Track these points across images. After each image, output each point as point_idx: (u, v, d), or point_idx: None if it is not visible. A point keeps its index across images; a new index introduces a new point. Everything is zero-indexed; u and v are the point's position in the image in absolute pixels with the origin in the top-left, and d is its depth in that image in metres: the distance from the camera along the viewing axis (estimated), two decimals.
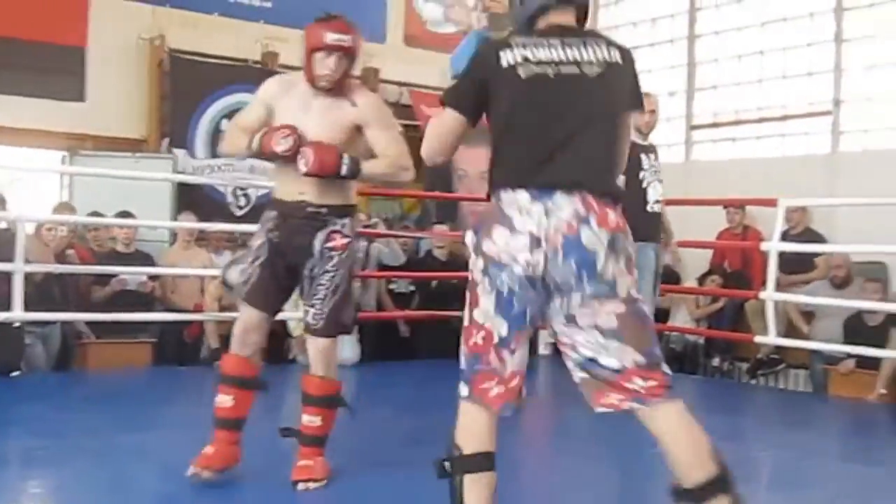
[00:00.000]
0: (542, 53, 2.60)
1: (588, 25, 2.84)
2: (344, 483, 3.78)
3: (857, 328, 6.94)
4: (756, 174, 8.55)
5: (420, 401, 5.83)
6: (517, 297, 2.53)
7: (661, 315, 8.23)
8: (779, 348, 7.20)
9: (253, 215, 8.84)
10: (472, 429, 2.61)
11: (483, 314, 2.57)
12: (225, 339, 7.13)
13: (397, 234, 8.67)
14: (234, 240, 8.10)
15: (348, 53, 3.71)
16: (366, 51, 10.34)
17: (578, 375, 2.63)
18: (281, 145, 3.57)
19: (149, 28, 8.89)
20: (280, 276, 3.78)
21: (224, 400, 3.76)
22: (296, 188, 3.67)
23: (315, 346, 3.77)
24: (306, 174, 3.56)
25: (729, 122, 9.78)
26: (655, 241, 5.90)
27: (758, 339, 6.69)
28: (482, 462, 2.58)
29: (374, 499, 3.74)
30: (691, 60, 10.30)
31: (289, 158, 3.58)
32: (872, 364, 6.66)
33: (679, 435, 2.56)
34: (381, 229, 8.54)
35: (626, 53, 2.72)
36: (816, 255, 7.80)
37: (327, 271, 3.68)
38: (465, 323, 2.62)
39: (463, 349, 2.64)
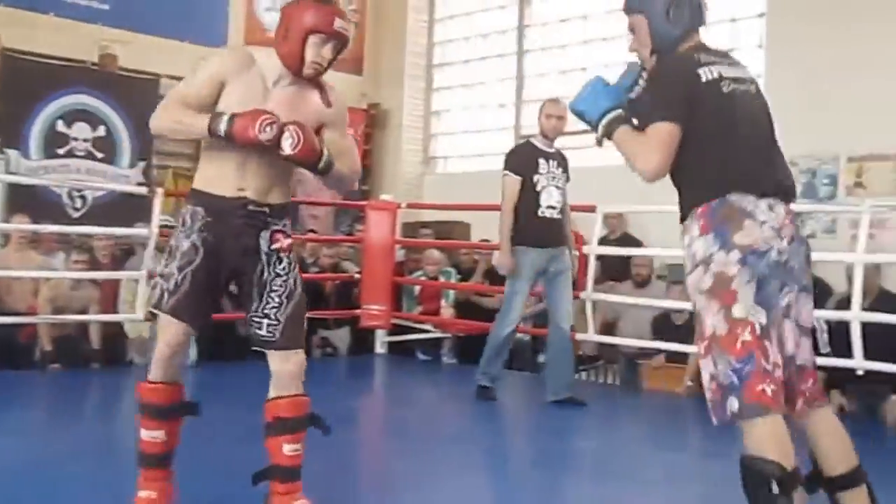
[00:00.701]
0: (725, 71, 2.73)
1: (421, 41, 3.00)
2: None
3: (665, 325, 7.19)
4: (579, 182, 8.81)
5: (251, 400, 5.75)
6: (771, 283, 2.58)
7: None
8: (600, 345, 7.44)
9: (90, 217, 8.75)
10: (777, 440, 2.47)
11: (744, 308, 2.53)
12: (58, 342, 6.99)
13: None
14: (69, 241, 7.83)
15: (344, 45, 3.12)
16: (206, 56, 10.34)
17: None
18: (265, 133, 2.92)
19: None
20: (214, 285, 3.15)
21: (154, 436, 3.16)
22: (235, 183, 3.07)
23: (291, 363, 3.12)
24: (288, 157, 2.97)
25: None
26: (551, 246, 6.04)
27: (578, 336, 6.93)
28: (799, 477, 2.50)
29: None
30: (520, 74, 10.57)
31: (266, 147, 2.97)
32: (681, 359, 6.91)
33: (835, 432, 2.69)
34: None
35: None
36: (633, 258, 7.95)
37: (279, 275, 3.12)
38: (722, 332, 2.54)
39: (727, 360, 2.52)
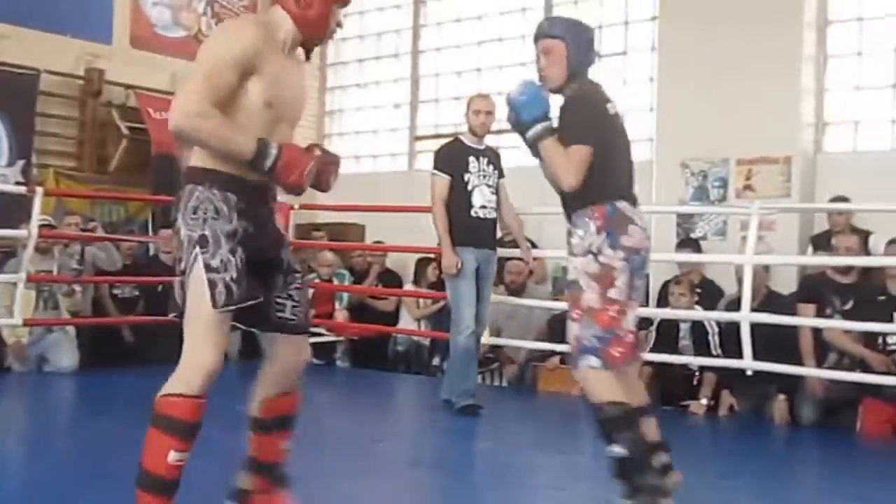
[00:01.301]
0: (613, 105, 3.54)
1: None
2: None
3: (560, 328, 7.25)
4: None
5: (140, 409, 5.66)
6: (638, 276, 3.48)
7: (392, 317, 8.41)
8: (495, 347, 7.45)
9: None
10: (618, 388, 3.31)
11: (618, 292, 3.33)
12: None
13: (121, 238, 8.45)
14: None
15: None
16: (91, 51, 10.08)
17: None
18: (308, 179, 2.84)
19: None
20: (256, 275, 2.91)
21: (181, 458, 2.74)
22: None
23: (304, 354, 3.10)
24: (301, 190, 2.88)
25: (450, 135, 10.08)
26: (483, 247, 5.94)
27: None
28: (642, 410, 3.45)
29: None
30: (414, 74, 10.59)
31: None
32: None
33: (637, 380, 3.72)
34: (101, 233, 8.32)
35: None
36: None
37: (292, 259, 3.05)
38: (596, 305, 3.31)
39: (595, 328, 3.30)
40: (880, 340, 5.76)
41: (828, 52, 7.89)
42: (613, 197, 3.40)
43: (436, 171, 5.99)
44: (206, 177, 2.82)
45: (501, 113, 9.57)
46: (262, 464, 3.07)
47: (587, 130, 3.38)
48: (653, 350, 6.51)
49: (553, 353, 7.18)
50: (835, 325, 5.92)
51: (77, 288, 7.55)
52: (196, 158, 2.86)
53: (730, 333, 6.13)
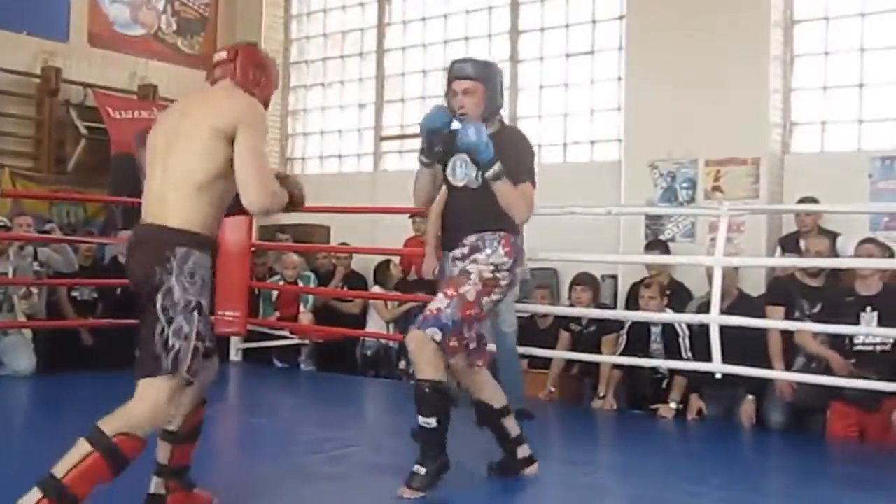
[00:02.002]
0: None
1: (277, 38, 3.56)
2: None
3: (529, 330, 7.24)
4: None
5: (101, 413, 5.61)
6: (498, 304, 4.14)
7: (357, 320, 8.40)
8: None
9: None
10: (441, 365, 3.82)
11: (489, 303, 3.90)
12: None
13: (79, 240, 8.44)
14: None
15: None
16: (47, 49, 9.99)
17: (474, 346, 4.09)
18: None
19: None
20: None
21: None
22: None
23: (215, 367, 3.50)
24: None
25: (415, 135, 10.06)
26: None
27: None
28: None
29: None
30: (380, 74, 10.58)
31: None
32: (544, 364, 7.02)
33: (491, 381, 4.25)
34: (58, 234, 8.31)
35: None
36: None
37: None
38: (471, 298, 3.81)
39: (456, 312, 3.79)
40: (847, 342, 5.77)
41: (794, 51, 7.94)
42: (517, 232, 4.00)
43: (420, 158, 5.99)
44: (199, 242, 3.12)
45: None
46: (177, 468, 3.47)
47: (532, 170, 3.97)
48: (623, 353, 6.57)
49: (522, 356, 7.06)
50: (803, 327, 5.94)
51: (34, 290, 7.49)
52: (184, 220, 3.10)
53: (700, 336, 6.16)
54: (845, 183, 7.25)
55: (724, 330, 5.79)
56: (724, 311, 5.91)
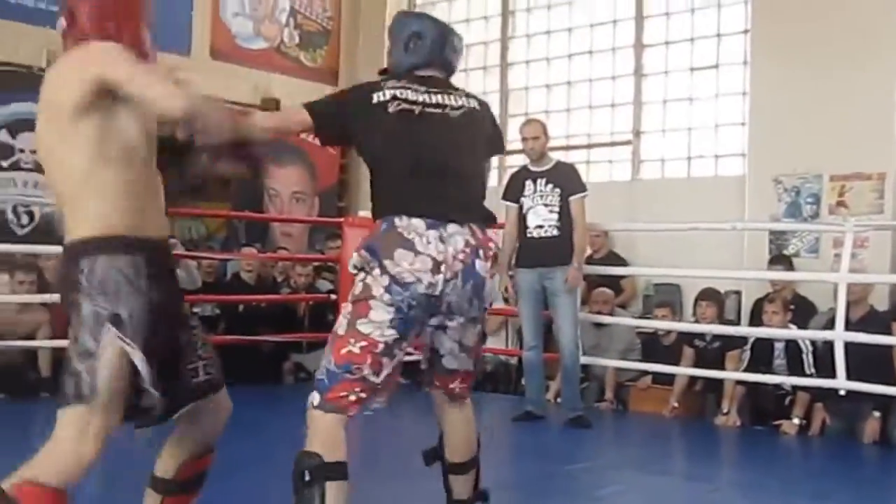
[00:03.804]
0: (416, 97, 3.21)
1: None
2: None
3: (652, 346, 7.61)
4: None
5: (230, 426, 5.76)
6: (414, 312, 3.03)
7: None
8: (584, 366, 7.41)
9: (37, 234, 8.54)
10: (329, 437, 2.98)
11: (371, 325, 3.00)
12: (2, 370, 6.85)
13: (201, 256, 8.69)
14: (13, 261, 7.69)
15: None
16: (170, 63, 10.38)
17: (425, 366, 3.34)
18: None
19: None
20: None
21: None
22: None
23: (225, 404, 3.09)
24: None
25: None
26: (542, 266, 6.49)
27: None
28: (341, 470, 2.96)
29: None
30: (503, 88, 10.77)
31: None
32: (667, 380, 7.31)
33: (464, 429, 3.43)
34: (181, 251, 8.38)
35: (483, 104, 3.43)
36: (622, 277, 8.32)
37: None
38: (341, 332, 3.03)
39: (329, 359, 3.02)
40: None
41: None
42: (392, 212, 3.09)
43: (503, 201, 6.69)
44: (102, 245, 2.73)
45: (595, 127, 9.76)
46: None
47: (322, 107, 3.32)
48: (747, 369, 6.80)
49: (645, 372, 7.51)
50: None
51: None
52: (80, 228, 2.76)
53: (824, 351, 6.38)
54: None
55: (849, 345, 5.98)
56: (852, 325, 6.10)
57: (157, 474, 2.97)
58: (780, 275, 7.47)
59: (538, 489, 4.80)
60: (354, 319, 3.02)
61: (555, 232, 6.50)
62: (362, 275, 3.06)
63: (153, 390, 2.67)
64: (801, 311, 7.17)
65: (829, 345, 6.23)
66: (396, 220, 3.05)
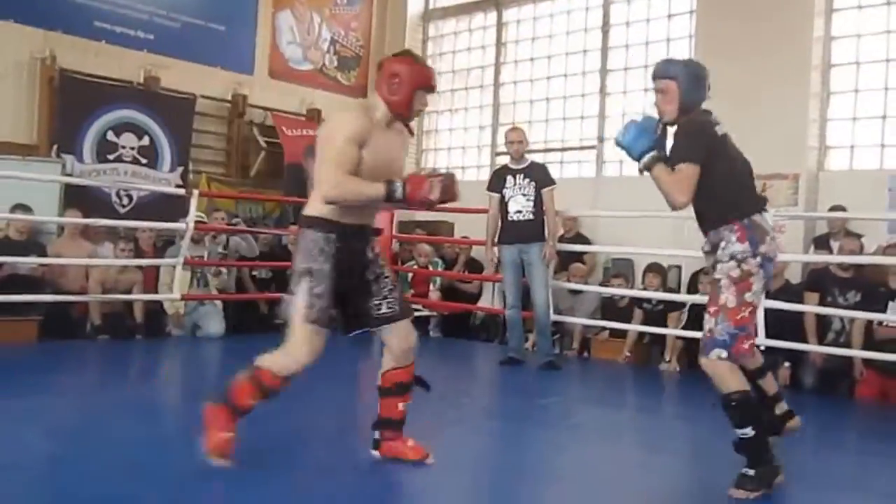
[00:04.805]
0: (723, 127, 3.31)
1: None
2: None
3: (610, 307, 7.48)
4: None
5: None
6: (767, 278, 3.26)
7: (474, 297, 8.62)
8: (558, 323, 7.40)
9: (135, 212, 8.70)
10: (736, 375, 3.17)
11: (754, 295, 3.18)
12: (107, 317, 6.96)
13: (259, 231, 8.64)
14: (116, 233, 7.81)
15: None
16: (237, 80, 10.41)
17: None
18: (435, 193, 3.11)
19: (41, 48, 8.49)
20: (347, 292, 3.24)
21: (253, 405, 3.22)
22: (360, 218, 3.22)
23: (409, 333, 3.33)
24: (433, 204, 3.16)
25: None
26: (521, 243, 6.42)
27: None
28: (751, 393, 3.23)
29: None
30: (496, 102, 10.73)
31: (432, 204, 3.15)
32: (621, 335, 7.19)
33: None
34: (243, 227, 8.57)
35: None
36: (587, 253, 8.19)
37: (380, 269, 3.31)
38: (732, 305, 3.14)
39: (727, 325, 3.14)
40: (875, 325, 5.85)
41: (830, 89, 7.86)
42: (749, 212, 3.22)
43: (487, 191, 6.65)
44: (315, 223, 3.14)
45: (568, 134, 9.69)
46: (383, 420, 3.40)
47: (693, 151, 3.19)
48: (685, 327, 6.66)
49: (604, 328, 7.38)
50: (833, 311, 6.00)
51: (223, 269, 7.75)
52: (309, 209, 3.17)
53: None
54: (869, 195, 7.18)
55: (768, 310, 5.83)
56: (771, 294, 5.93)
57: (377, 383, 3.38)
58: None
59: (519, 417, 4.74)
60: (741, 294, 3.15)
61: (530, 216, 6.43)
62: (734, 263, 3.17)
63: (400, 328, 3.24)
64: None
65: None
66: (756, 218, 3.21)
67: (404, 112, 3.21)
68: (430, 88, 3.26)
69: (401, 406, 3.37)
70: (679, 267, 8.01)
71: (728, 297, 3.16)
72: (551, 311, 6.70)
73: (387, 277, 3.30)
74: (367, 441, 3.47)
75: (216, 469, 3.12)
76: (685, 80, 3.28)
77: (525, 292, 6.65)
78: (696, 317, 6.63)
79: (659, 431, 4.72)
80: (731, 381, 3.17)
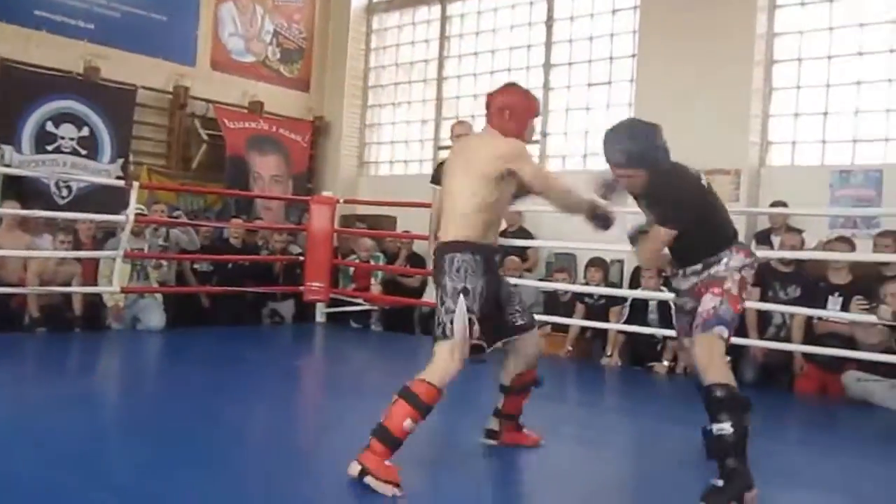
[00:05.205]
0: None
1: (358, 66, 3.27)
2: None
3: (552, 302, 7.42)
4: None
5: (215, 357, 5.83)
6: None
7: (416, 291, 8.50)
8: None
9: (74, 204, 8.59)
10: (728, 368, 3.11)
11: (746, 292, 3.27)
12: (45, 309, 6.85)
13: (200, 224, 8.56)
14: (55, 224, 7.64)
15: None
16: (178, 72, 10.19)
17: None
18: (612, 216, 3.47)
19: None
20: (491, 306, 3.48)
21: (411, 426, 3.16)
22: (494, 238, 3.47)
23: (536, 340, 3.69)
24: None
25: None
26: None
27: None
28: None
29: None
30: (439, 96, 10.66)
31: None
32: (563, 329, 7.13)
33: None
34: (184, 219, 8.50)
35: None
36: (530, 247, 8.11)
37: (510, 285, 3.67)
38: (735, 293, 3.17)
39: (730, 310, 3.13)
40: (815, 320, 5.87)
41: (773, 85, 7.91)
42: (737, 237, 3.37)
43: (431, 184, 6.36)
44: (463, 247, 3.31)
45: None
46: (507, 414, 3.74)
47: (679, 218, 3.22)
48: (627, 321, 6.64)
49: (547, 322, 7.23)
50: (774, 307, 6.02)
51: (164, 262, 7.65)
52: (456, 234, 3.34)
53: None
54: (810, 191, 7.22)
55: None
56: None
57: (502, 383, 3.69)
58: None
59: (459, 410, 4.54)
60: (741, 289, 3.22)
61: None
62: (736, 272, 3.21)
63: (529, 336, 3.59)
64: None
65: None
66: (740, 240, 3.38)
67: (525, 140, 3.47)
68: (537, 115, 3.56)
69: (524, 402, 3.76)
70: (621, 261, 8.00)
71: (732, 286, 3.20)
72: None
73: (514, 290, 3.63)
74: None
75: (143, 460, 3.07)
76: (650, 162, 3.20)
77: None
78: (637, 311, 6.69)
79: (603, 428, 4.66)
80: (722, 367, 3.06)
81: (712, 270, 3.25)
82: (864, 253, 6.19)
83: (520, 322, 3.54)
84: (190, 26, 10.05)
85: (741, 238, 3.54)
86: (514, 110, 3.39)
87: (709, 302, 3.15)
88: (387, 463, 3.01)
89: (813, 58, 7.74)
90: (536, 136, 9.42)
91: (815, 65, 7.73)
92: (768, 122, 7.90)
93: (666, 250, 3.37)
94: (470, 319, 3.22)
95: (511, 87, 3.52)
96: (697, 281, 3.30)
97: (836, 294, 5.77)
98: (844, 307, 5.68)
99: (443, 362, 3.20)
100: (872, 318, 5.39)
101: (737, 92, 7.71)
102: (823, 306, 5.75)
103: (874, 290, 5.50)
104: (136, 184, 7.29)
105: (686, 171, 3.31)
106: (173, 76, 9.83)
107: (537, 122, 3.59)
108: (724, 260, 3.24)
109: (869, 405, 5.43)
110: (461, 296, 3.24)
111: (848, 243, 6.14)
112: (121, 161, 9.16)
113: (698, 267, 3.30)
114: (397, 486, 2.93)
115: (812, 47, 7.74)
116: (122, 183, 7.65)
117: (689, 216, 3.21)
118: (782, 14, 7.87)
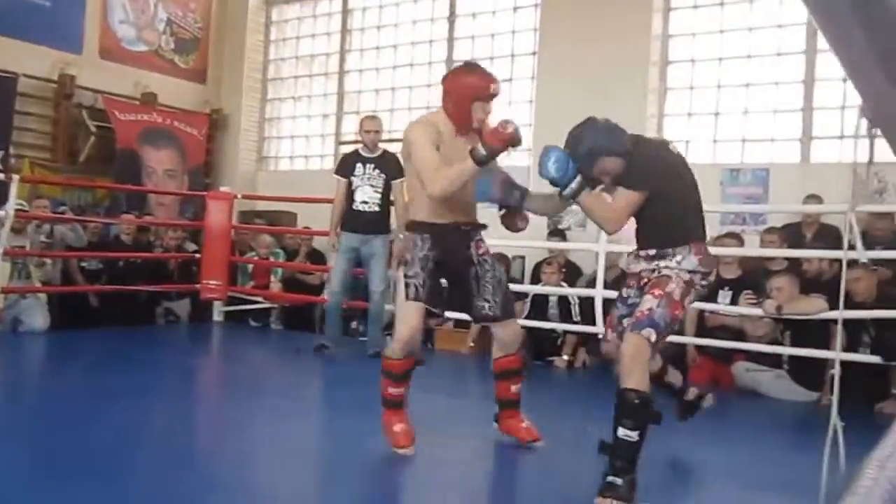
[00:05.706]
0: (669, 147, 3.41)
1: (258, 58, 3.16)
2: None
3: None
4: None
5: (104, 361, 5.63)
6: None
7: (317, 289, 8.41)
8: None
9: None
10: (647, 376, 3.03)
11: (689, 300, 3.17)
12: None
13: (88, 220, 8.28)
14: None
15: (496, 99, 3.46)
16: (64, 60, 9.81)
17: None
18: (509, 128, 3.19)
19: None
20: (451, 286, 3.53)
21: (398, 391, 3.63)
22: (453, 217, 3.49)
23: (512, 329, 3.71)
24: (515, 139, 3.23)
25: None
26: (364, 233, 6.25)
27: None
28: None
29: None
30: (340, 90, 10.60)
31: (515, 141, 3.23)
32: (465, 325, 7.08)
33: None
34: (70, 215, 8.20)
35: None
36: None
37: (485, 271, 3.58)
38: (676, 298, 3.09)
39: (667, 313, 3.05)
40: (707, 313, 6.06)
41: (667, 85, 8.14)
42: (703, 238, 3.26)
43: (335, 175, 6.45)
44: (412, 226, 3.52)
45: (396, 124, 9.74)
46: (500, 400, 3.81)
47: (642, 179, 3.12)
48: (528, 317, 6.67)
49: (448, 319, 7.26)
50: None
51: (47, 260, 7.38)
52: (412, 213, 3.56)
53: (588, 304, 6.35)
54: (702, 188, 7.37)
55: (606, 300, 5.91)
56: (609, 284, 6.07)
57: (492, 369, 3.78)
58: (556, 244, 7.51)
59: (340, 407, 4.64)
60: (685, 295, 3.14)
61: (376, 208, 6.26)
62: (686, 274, 3.14)
63: (508, 325, 3.68)
64: (571, 272, 7.21)
65: (591, 299, 6.19)
66: (706, 245, 3.26)
67: (466, 124, 3.42)
68: (491, 97, 3.41)
69: (513, 388, 3.76)
70: (523, 257, 8.06)
71: (675, 289, 3.12)
72: (385, 303, 6.50)
73: (490, 279, 3.57)
74: None
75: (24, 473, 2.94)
76: (622, 145, 3.17)
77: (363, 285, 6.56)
78: (539, 306, 6.76)
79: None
80: (641, 372, 2.99)
81: (662, 263, 3.18)
82: (752, 248, 6.43)
83: (490, 313, 3.58)
84: (76, 12, 9.72)
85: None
86: (449, 93, 3.44)
87: (647, 302, 3.10)
88: (395, 427, 3.54)
89: (705, 59, 8.00)
90: None
91: (707, 66, 8.00)
92: (663, 121, 8.13)
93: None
94: (406, 284, 3.43)
95: (457, 68, 3.56)
96: (645, 269, 3.24)
97: (726, 288, 5.97)
98: (734, 301, 5.88)
99: (397, 333, 3.49)
100: (759, 312, 5.60)
101: (634, 91, 7.90)
102: (714, 300, 5.94)
103: (761, 285, 5.71)
104: (16, 177, 6.98)
105: (661, 144, 3.43)
106: (58, 64, 9.49)
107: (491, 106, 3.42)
108: (678, 257, 3.16)
109: (757, 394, 5.65)
110: (401, 266, 3.51)
111: (737, 239, 6.37)
112: (0, 154, 8.78)
113: (651, 252, 3.22)
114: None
115: (704, 49, 8.00)
116: (1, 177, 7.29)
117: (649, 183, 3.11)
118: (676, 16, 8.11)
